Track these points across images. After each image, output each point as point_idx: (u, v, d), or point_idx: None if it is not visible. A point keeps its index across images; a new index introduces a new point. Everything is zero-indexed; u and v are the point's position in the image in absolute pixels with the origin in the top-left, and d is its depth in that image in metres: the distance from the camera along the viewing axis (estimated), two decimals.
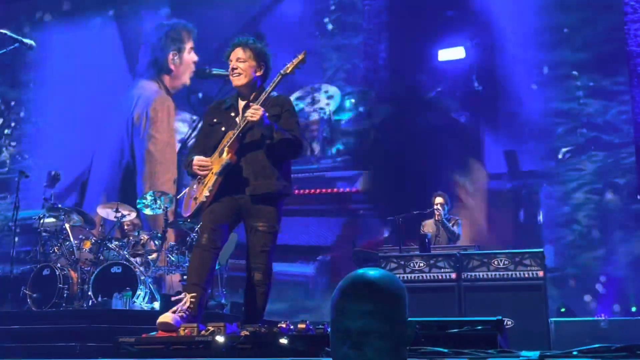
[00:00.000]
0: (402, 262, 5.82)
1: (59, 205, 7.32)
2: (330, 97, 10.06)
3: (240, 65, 4.10)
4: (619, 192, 8.48)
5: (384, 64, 9.96)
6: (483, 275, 5.56)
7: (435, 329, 3.03)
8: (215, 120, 4.21)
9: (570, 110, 8.88)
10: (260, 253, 3.93)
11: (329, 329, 2.48)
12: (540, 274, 5.44)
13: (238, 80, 4.13)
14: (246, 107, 4.09)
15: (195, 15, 10.77)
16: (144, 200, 7.41)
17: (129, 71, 11.18)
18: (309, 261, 9.43)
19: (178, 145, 10.58)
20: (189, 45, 10.77)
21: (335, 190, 9.72)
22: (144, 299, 6.57)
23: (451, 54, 9.47)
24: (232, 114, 4.16)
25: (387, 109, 9.80)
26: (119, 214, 7.26)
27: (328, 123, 10.03)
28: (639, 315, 7.26)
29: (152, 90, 10.83)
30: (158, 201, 7.33)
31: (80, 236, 7.15)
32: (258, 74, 4.15)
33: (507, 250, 5.68)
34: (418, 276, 5.72)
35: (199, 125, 4.35)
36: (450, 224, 7.43)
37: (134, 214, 7.54)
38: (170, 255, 7.12)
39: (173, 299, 4.10)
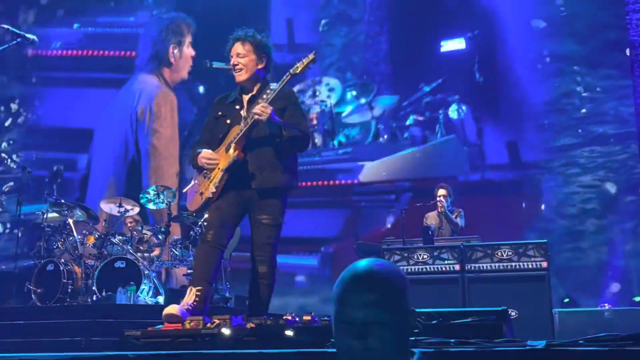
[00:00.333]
0: (406, 254, 5.83)
1: (62, 201, 7.31)
2: (331, 90, 10.05)
3: (241, 61, 4.10)
4: (621, 182, 8.48)
5: (385, 56, 9.95)
6: (487, 267, 5.57)
7: (441, 319, 3.04)
8: (220, 113, 4.21)
9: (571, 101, 8.88)
10: (265, 246, 3.94)
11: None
12: (544, 264, 5.45)
13: (240, 76, 4.13)
14: (251, 100, 4.09)
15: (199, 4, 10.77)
16: (147, 195, 7.41)
17: (130, 65, 11.16)
18: (312, 253, 9.46)
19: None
20: (188, 39, 10.76)
21: (337, 182, 9.73)
22: (148, 293, 6.57)
23: (452, 45, 9.46)
24: (237, 107, 4.16)
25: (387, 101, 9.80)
26: (122, 209, 7.26)
27: (329, 115, 10.04)
28: None
29: (153, 84, 10.82)
30: (161, 195, 7.33)
31: (84, 231, 7.15)
32: (260, 66, 4.14)
33: (511, 241, 5.68)
34: (422, 268, 5.73)
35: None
36: (454, 216, 7.42)
37: (137, 209, 7.54)
38: (174, 250, 7.13)
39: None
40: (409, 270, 5.66)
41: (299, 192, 4.27)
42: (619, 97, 8.66)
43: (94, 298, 6.45)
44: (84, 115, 10.85)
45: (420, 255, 5.78)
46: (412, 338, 2.60)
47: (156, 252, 7.12)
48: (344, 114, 10.02)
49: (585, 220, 8.53)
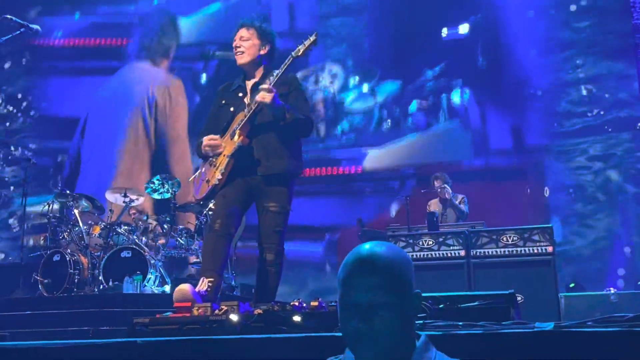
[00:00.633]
0: (411, 241, 5.83)
1: (67, 191, 7.33)
2: (334, 76, 10.02)
3: (244, 44, 4.09)
4: (625, 167, 8.47)
5: (388, 40, 9.90)
6: (492, 252, 5.57)
7: (448, 303, 3.05)
8: (223, 101, 4.20)
9: (575, 86, 8.85)
10: (272, 233, 3.93)
11: None
12: (550, 249, 5.45)
13: (241, 59, 4.11)
14: (254, 87, 4.07)
15: None
16: (151, 185, 7.41)
17: (131, 54, 11.16)
18: (317, 241, 9.47)
19: None
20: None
21: (341, 169, 9.73)
22: (154, 282, 6.60)
23: (455, 30, 9.43)
24: (240, 94, 4.14)
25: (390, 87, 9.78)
26: (127, 199, 7.27)
27: (332, 102, 10.02)
28: None
29: (159, 73, 10.87)
30: (166, 185, 7.33)
31: (90, 221, 7.17)
32: (262, 52, 4.12)
33: (516, 227, 5.68)
34: (427, 254, 5.74)
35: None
36: (457, 202, 7.43)
37: (142, 199, 7.55)
38: (179, 239, 7.14)
39: None
40: (415, 256, 5.68)
41: (303, 179, 4.24)
42: (623, 82, 8.63)
43: (101, 288, 6.48)
44: (81, 104, 10.88)
45: (425, 241, 5.79)
46: (420, 322, 2.60)
47: (162, 241, 7.13)
48: (347, 101, 9.99)
49: (589, 204, 8.52)
